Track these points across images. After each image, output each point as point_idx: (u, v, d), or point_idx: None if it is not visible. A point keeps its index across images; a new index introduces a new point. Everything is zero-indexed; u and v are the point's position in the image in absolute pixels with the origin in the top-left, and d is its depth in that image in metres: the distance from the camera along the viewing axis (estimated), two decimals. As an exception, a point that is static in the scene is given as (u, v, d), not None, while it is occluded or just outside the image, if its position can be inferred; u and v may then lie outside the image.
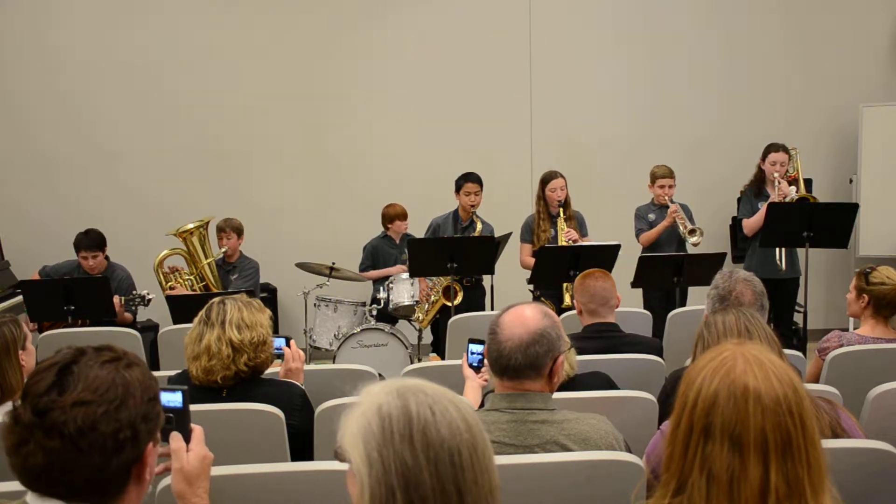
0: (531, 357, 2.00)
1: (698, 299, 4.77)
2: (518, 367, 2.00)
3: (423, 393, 1.22)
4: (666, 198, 5.44)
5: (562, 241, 5.29)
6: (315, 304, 5.81)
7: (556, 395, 2.30)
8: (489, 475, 1.20)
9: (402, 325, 5.92)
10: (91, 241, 5.19)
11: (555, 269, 4.94)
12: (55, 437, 1.26)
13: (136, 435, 1.31)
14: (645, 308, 4.86)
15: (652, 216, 5.52)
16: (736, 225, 6.51)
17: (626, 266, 5.40)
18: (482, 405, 2.37)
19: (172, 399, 1.74)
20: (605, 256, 4.78)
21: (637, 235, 5.52)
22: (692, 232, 5.33)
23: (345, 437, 1.19)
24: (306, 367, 3.00)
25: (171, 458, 1.75)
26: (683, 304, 5.19)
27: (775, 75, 7.04)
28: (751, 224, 5.34)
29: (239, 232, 5.65)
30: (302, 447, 2.55)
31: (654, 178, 5.53)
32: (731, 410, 1.31)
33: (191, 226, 5.61)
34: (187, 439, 1.72)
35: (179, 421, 1.70)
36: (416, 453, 1.15)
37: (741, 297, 2.64)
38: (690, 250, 5.48)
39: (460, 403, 1.23)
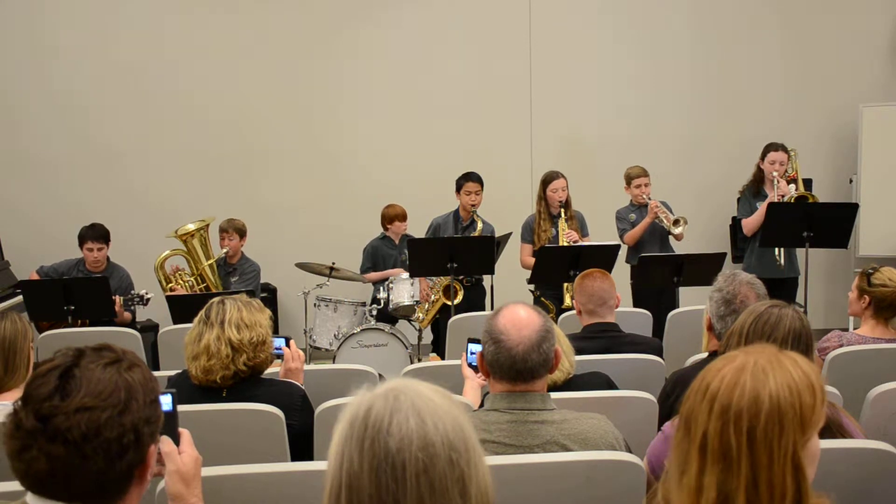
0: (544, 354, 2.01)
1: (692, 300, 4.78)
2: (534, 367, 2.00)
3: (401, 399, 1.15)
4: (644, 196, 5.46)
5: (563, 242, 5.29)
6: (315, 304, 5.81)
7: (556, 395, 2.30)
8: (444, 500, 1.11)
9: (402, 325, 5.92)
10: (96, 233, 5.21)
11: (555, 269, 4.94)
12: (59, 444, 1.25)
13: (139, 438, 1.31)
14: (636, 308, 4.84)
15: (633, 216, 5.54)
16: (736, 225, 6.51)
17: (626, 266, 5.41)
18: (482, 405, 2.37)
19: (163, 402, 1.73)
20: (605, 256, 4.78)
21: (621, 236, 5.54)
22: (676, 222, 5.33)
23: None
24: (306, 367, 3.00)
25: (160, 461, 1.73)
26: (677, 305, 5.16)
27: (775, 75, 7.03)
28: (750, 223, 5.34)
29: (241, 233, 5.64)
30: (302, 447, 2.55)
31: (629, 179, 5.55)
32: (690, 401, 1.34)
33: (191, 227, 5.60)
34: (176, 442, 1.72)
35: (169, 424, 1.70)
36: (363, 457, 1.12)
37: (746, 300, 2.64)
38: (675, 245, 5.49)
39: (440, 420, 1.14)
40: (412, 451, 1.11)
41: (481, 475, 1.17)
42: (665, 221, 5.37)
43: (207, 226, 5.68)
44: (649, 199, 5.43)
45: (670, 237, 5.46)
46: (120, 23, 6.77)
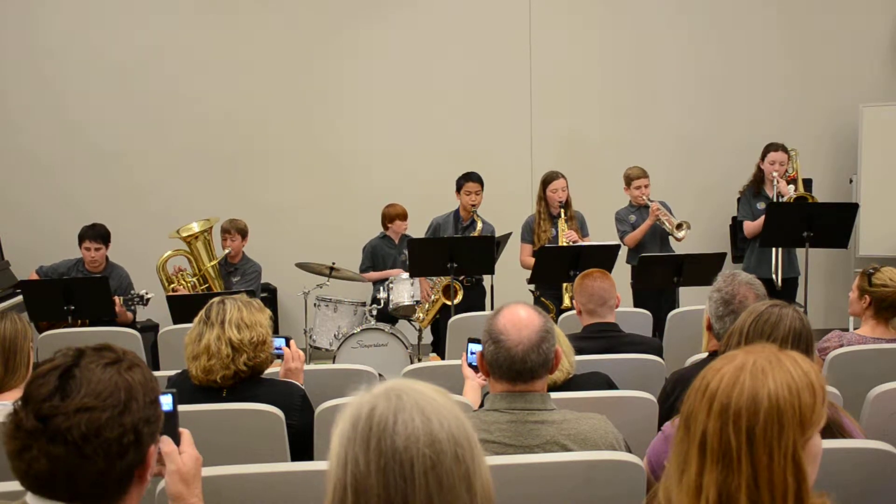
0: (543, 355, 2.01)
1: (692, 300, 4.78)
2: (533, 367, 2.00)
3: (404, 398, 1.16)
4: (644, 197, 5.45)
5: (562, 242, 5.29)
6: (315, 304, 5.81)
7: (556, 395, 2.30)
8: (451, 497, 1.13)
9: (402, 325, 5.92)
10: (96, 232, 5.22)
11: (555, 269, 4.93)
12: (59, 444, 1.25)
13: (140, 438, 1.31)
14: (637, 308, 4.84)
15: (633, 217, 5.54)
16: (736, 225, 6.51)
17: (626, 266, 5.41)
18: (482, 405, 2.37)
19: (163, 402, 1.73)
20: (605, 256, 4.78)
21: (621, 238, 5.53)
22: (679, 226, 5.33)
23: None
24: (306, 367, 3.00)
25: (160, 461, 1.73)
26: (677, 305, 5.16)
27: (775, 75, 7.03)
28: (751, 228, 5.35)
29: (243, 233, 5.64)
30: (302, 447, 2.55)
31: (628, 180, 5.54)
32: (690, 401, 1.34)
33: (196, 228, 5.60)
34: (177, 442, 1.72)
35: (169, 424, 1.70)
36: (369, 458, 1.12)
37: (745, 300, 2.64)
38: (676, 246, 5.49)
39: (444, 418, 1.15)
40: (419, 448, 1.12)
41: (484, 471, 1.18)
42: (667, 225, 5.36)
43: (211, 228, 5.69)
44: (650, 200, 5.43)
45: (670, 237, 5.46)
46: (120, 23, 6.77)
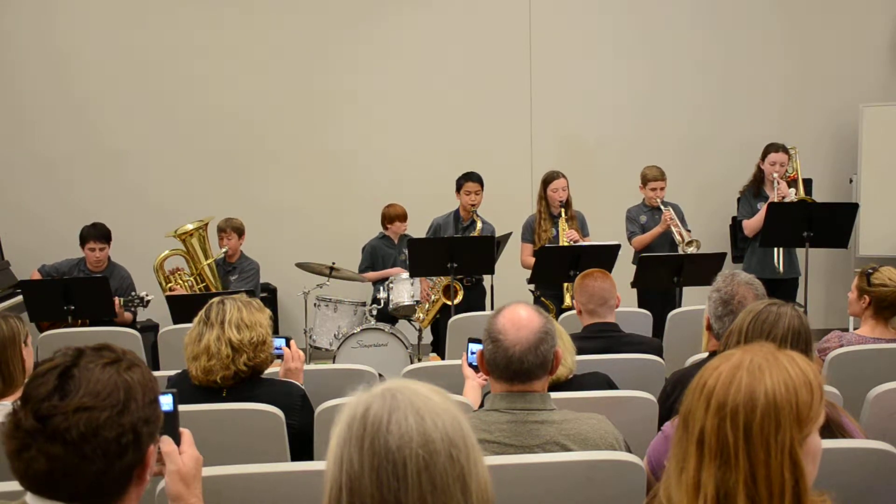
0: (541, 356, 2.00)
1: (695, 300, 4.78)
2: (531, 368, 1.99)
3: (398, 398, 1.16)
4: (657, 200, 5.45)
5: (563, 242, 5.29)
6: (315, 304, 5.81)
7: (556, 395, 2.30)
8: (446, 497, 1.12)
9: (402, 325, 5.92)
10: (98, 232, 5.22)
11: (555, 269, 4.94)
12: (58, 444, 1.25)
13: (139, 438, 1.31)
14: (640, 308, 4.85)
15: (643, 217, 5.53)
16: (736, 225, 6.51)
17: (626, 266, 5.41)
18: (482, 405, 2.37)
19: (163, 402, 1.73)
20: (605, 256, 4.78)
21: (629, 239, 5.52)
22: (689, 244, 5.31)
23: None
24: (306, 367, 3.00)
25: (160, 461, 1.73)
26: (679, 305, 5.18)
27: (775, 75, 7.03)
28: (751, 225, 5.34)
29: (240, 232, 5.65)
30: (302, 447, 2.55)
31: (645, 180, 5.53)
32: (688, 399, 1.34)
33: (190, 227, 5.60)
34: (177, 442, 1.72)
35: (169, 424, 1.70)
36: (363, 457, 1.12)
37: (744, 300, 2.63)
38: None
39: (439, 418, 1.15)
40: (412, 448, 1.12)
41: (481, 471, 1.17)
42: (678, 236, 5.36)
43: (206, 225, 5.69)
44: (663, 204, 5.42)
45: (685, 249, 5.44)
46: (121, 25, 6.77)
